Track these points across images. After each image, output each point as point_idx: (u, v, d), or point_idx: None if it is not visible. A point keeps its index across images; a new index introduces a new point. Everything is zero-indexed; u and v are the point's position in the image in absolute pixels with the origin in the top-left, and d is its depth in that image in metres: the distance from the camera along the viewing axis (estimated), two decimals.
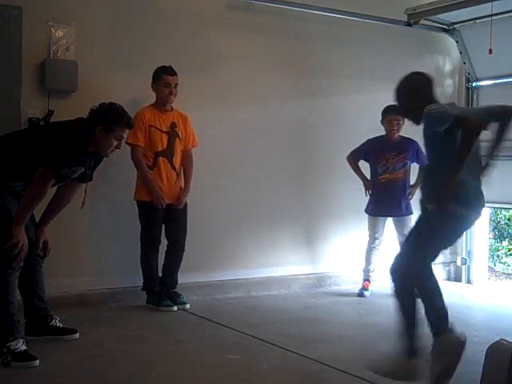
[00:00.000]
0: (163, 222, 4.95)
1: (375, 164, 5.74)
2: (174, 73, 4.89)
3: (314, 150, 6.04)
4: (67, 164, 3.67)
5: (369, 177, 5.80)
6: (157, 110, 4.93)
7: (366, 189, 5.78)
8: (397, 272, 3.40)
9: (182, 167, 5.03)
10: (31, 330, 3.92)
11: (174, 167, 4.95)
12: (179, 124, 4.98)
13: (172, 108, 4.99)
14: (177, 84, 4.91)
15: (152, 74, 4.90)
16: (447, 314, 3.33)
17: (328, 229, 6.12)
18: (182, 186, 5.03)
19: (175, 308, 4.89)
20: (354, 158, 5.77)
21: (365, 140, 5.77)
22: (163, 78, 4.87)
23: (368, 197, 5.79)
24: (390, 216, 5.75)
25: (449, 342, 3.23)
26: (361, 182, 5.78)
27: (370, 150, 5.73)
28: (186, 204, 5.02)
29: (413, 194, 5.78)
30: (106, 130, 3.73)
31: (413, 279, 3.37)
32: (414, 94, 3.43)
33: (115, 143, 3.79)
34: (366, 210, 5.80)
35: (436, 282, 3.36)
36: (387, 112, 5.62)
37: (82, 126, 3.76)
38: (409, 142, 5.74)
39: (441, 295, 3.35)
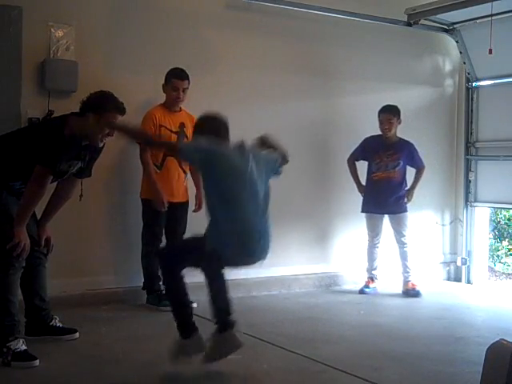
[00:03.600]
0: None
1: (371, 161, 5.79)
2: (183, 77, 4.89)
3: (313, 150, 6.04)
4: (62, 159, 3.63)
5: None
6: (166, 109, 4.94)
7: (360, 192, 5.88)
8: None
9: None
10: (31, 329, 3.92)
11: (181, 167, 4.96)
12: (187, 124, 4.98)
13: (180, 109, 5.00)
14: (186, 88, 4.91)
15: (164, 74, 4.90)
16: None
17: (328, 229, 6.13)
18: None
19: None
20: (353, 160, 5.87)
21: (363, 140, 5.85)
22: (172, 81, 4.87)
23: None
24: (380, 213, 5.79)
25: (229, 341, 3.45)
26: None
27: (367, 148, 5.82)
28: (187, 202, 5.04)
29: (410, 196, 5.79)
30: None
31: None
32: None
33: (106, 131, 3.71)
34: (362, 210, 5.86)
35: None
36: (380, 112, 5.72)
37: (66, 118, 3.70)
38: (404, 144, 5.82)
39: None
